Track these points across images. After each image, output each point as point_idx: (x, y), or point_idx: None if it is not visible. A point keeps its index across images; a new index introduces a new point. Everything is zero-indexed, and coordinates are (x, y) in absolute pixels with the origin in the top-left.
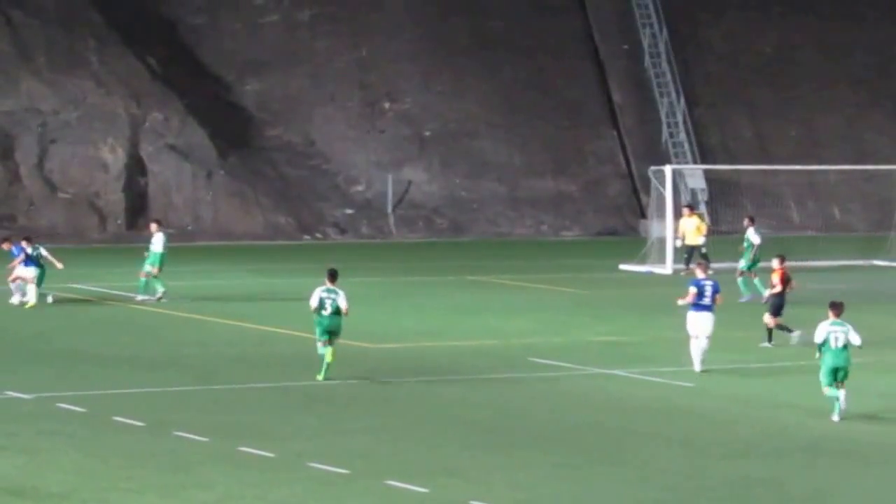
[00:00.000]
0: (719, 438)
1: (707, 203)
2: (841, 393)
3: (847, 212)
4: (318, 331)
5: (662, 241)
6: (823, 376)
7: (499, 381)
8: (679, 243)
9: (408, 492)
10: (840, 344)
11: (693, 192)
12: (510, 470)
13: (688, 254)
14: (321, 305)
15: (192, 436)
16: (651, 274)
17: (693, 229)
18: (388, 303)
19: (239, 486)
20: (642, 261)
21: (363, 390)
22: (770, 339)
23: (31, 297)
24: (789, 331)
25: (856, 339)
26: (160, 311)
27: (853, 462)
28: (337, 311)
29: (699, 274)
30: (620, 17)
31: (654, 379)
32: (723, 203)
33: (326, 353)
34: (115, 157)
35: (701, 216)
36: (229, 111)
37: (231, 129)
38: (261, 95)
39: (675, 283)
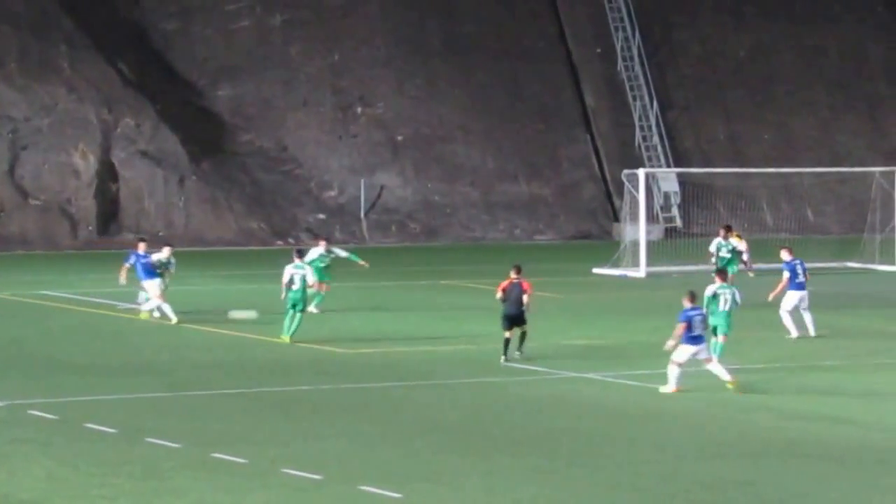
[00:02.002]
0: (693, 441)
1: (680, 206)
2: (720, 342)
3: (821, 214)
4: (288, 304)
5: (636, 244)
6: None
7: (473, 385)
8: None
9: (381, 497)
10: (727, 307)
11: (666, 196)
12: (484, 474)
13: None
14: (291, 280)
15: (164, 442)
16: (625, 277)
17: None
18: (361, 308)
19: (212, 493)
20: (616, 264)
21: (337, 395)
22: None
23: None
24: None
25: (739, 299)
26: (133, 317)
27: (828, 464)
28: (304, 287)
29: (686, 304)
30: (593, 21)
31: (628, 382)
32: (696, 206)
33: (294, 319)
34: (86, 163)
35: (739, 236)
36: (201, 117)
37: (203, 135)
38: (233, 101)
39: (649, 286)
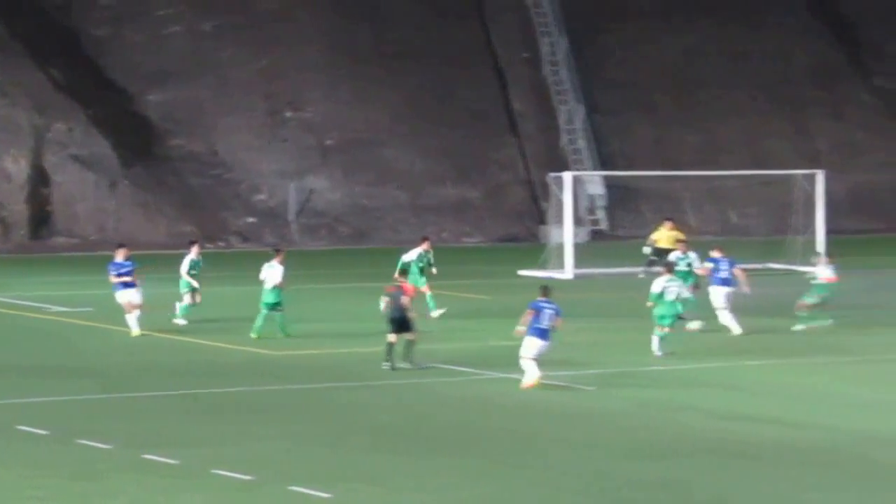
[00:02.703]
0: (623, 441)
1: (606, 209)
2: (666, 331)
3: (745, 216)
4: (262, 303)
5: (561, 246)
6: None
7: (403, 386)
8: (648, 250)
9: (311, 497)
10: (673, 297)
11: (592, 198)
12: (414, 474)
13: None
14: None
15: (96, 444)
16: (550, 279)
17: (670, 236)
18: (291, 310)
19: (143, 494)
20: (542, 266)
21: (268, 397)
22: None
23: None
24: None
25: (685, 293)
26: (65, 320)
27: (755, 463)
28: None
29: (539, 297)
30: (520, 26)
31: (555, 383)
32: (622, 209)
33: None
34: (18, 167)
35: (678, 228)
36: (133, 121)
37: (135, 140)
38: (164, 106)
39: (575, 288)
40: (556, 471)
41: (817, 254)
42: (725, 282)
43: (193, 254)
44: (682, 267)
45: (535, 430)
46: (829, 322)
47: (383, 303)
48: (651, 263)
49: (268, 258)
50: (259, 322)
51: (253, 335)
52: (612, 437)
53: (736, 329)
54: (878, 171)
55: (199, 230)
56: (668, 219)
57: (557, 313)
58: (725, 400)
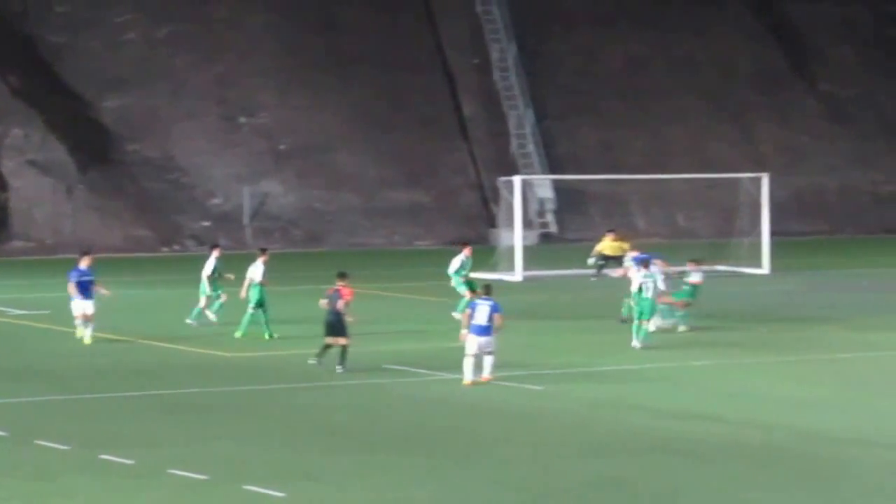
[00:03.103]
0: (570, 440)
1: (555, 212)
2: (652, 326)
3: (691, 219)
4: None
5: (512, 249)
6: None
7: (355, 387)
8: (592, 261)
9: (265, 496)
10: (650, 294)
11: (542, 202)
12: (367, 473)
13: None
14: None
15: (54, 444)
16: (501, 282)
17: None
18: (244, 312)
19: (100, 493)
20: (493, 269)
21: (223, 398)
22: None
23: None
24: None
25: (661, 285)
26: (22, 322)
27: (700, 461)
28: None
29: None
30: (471, 33)
31: (505, 383)
32: (571, 212)
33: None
34: None
35: (623, 238)
36: (89, 127)
37: (91, 145)
38: (120, 111)
39: (525, 290)
40: (504, 469)
41: (694, 259)
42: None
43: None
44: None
45: (484, 429)
46: (683, 326)
47: (322, 303)
48: (601, 268)
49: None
50: (244, 321)
51: (237, 334)
52: (559, 435)
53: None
54: (823, 175)
55: (154, 234)
56: (611, 230)
57: (495, 309)
58: (672, 399)
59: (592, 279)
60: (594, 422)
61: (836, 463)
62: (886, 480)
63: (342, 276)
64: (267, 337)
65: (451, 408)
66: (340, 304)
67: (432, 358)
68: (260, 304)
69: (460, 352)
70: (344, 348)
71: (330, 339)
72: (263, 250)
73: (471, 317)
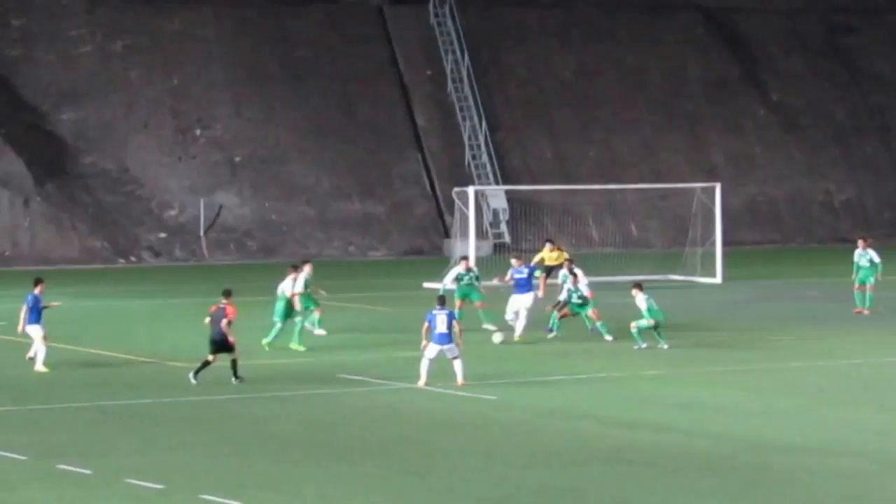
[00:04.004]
0: (522, 449)
1: (509, 222)
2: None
3: (644, 229)
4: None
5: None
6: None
7: (308, 396)
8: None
9: None
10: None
11: (495, 212)
12: (321, 482)
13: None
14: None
15: (11, 455)
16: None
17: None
18: (200, 323)
19: (58, 503)
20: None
21: (178, 408)
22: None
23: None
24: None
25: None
26: None
27: (651, 470)
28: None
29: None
30: (424, 45)
31: (458, 393)
32: (524, 222)
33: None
34: None
35: (560, 249)
36: (45, 140)
37: (47, 158)
38: (76, 124)
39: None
40: (457, 479)
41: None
42: (526, 288)
43: (306, 272)
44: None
45: (436, 439)
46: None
47: (206, 321)
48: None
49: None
50: (273, 333)
51: (265, 342)
52: (511, 445)
53: (519, 331)
54: (774, 184)
55: (111, 246)
56: (549, 240)
57: (451, 317)
58: (624, 408)
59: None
60: (546, 431)
61: (786, 472)
62: (836, 489)
63: (227, 293)
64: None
65: (405, 417)
66: (224, 324)
67: (385, 367)
68: (288, 315)
69: (414, 361)
70: (234, 361)
71: (212, 357)
72: (296, 266)
73: (430, 328)
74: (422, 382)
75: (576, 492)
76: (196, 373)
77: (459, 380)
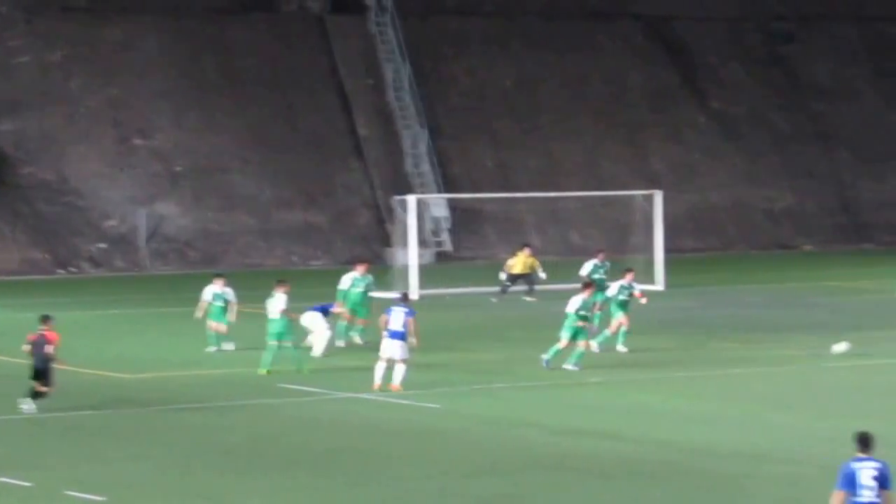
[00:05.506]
0: (465, 457)
1: (450, 231)
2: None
3: (586, 236)
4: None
5: (407, 268)
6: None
7: (250, 407)
8: (504, 276)
9: None
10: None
11: (437, 221)
12: (264, 494)
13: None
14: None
15: None
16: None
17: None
18: (141, 333)
19: None
20: (388, 288)
21: (119, 420)
22: None
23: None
24: None
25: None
26: None
27: (596, 477)
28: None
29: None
30: (365, 54)
31: (402, 402)
32: (466, 230)
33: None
34: None
35: (530, 254)
36: None
37: None
38: (15, 135)
39: (421, 308)
40: (399, 488)
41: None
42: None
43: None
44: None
45: (379, 448)
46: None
47: (24, 349)
48: (505, 290)
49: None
50: (267, 356)
51: (262, 370)
52: (454, 453)
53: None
54: (715, 192)
55: (51, 257)
56: (527, 245)
57: (408, 314)
58: (568, 416)
59: (493, 300)
60: (490, 440)
61: (729, 478)
62: (779, 494)
63: (45, 319)
64: (298, 371)
65: (347, 427)
66: (49, 349)
67: (327, 377)
68: (281, 336)
69: (356, 371)
70: (40, 393)
71: (39, 386)
72: (280, 282)
73: (387, 322)
74: (375, 385)
75: (516, 499)
76: (27, 401)
77: (395, 384)
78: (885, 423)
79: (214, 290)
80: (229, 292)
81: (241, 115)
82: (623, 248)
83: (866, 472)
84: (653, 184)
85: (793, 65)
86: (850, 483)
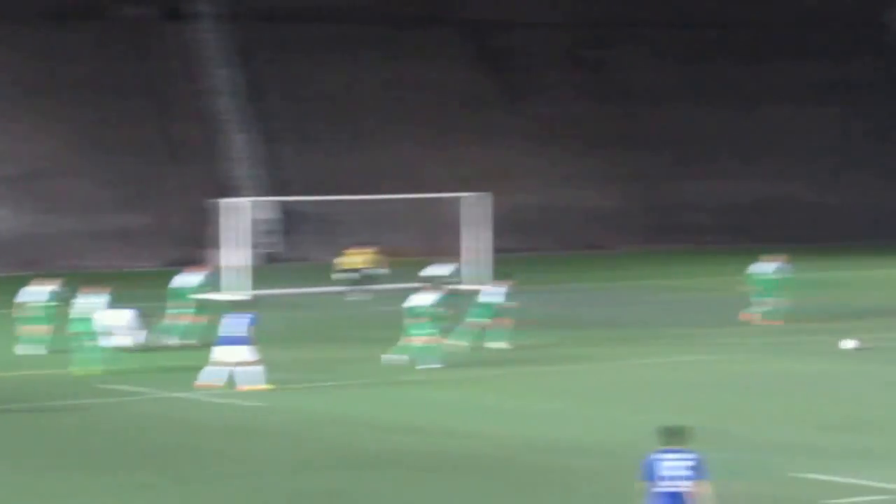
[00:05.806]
0: (289, 455)
1: (277, 233)
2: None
3: (407, 239)
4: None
5: (230, 270)
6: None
7: (74, 406)
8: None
9: None
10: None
11: (264, 223)
12: (93, 492)
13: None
14: None
15: None
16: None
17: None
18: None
19: None
20: (214, 289)
21: None
22: None
23: None
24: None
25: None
26: None
27: (432, 475)
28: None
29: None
30: (193, 59)
31: (227, 401)
32: (292, 233)
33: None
34: None
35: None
36: None
37: None
38: None
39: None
40: (221, 485)
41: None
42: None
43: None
44: None
45: (204, 445)
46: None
47: None
48: (355, 283)
49: None
50: (82, 355)
51: (76, 370)
52: (278, 450)
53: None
54: (531, 193)
55: None
56: (363, 243)
57: (252, 322)
58: (397, 413)
59: (348, 298)
60: (317, 437)
61: (568, 472)
62: (617, 487)
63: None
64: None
65: (173, 426)
66: None
67: (150, 376)
68: (93, 335)
69: (179, 371)
70: None
71: None
72: (96, 283)
73: (226, 327)
74: (200, 383)
75: (343, 495)
76: None
77: (243, 385)
78: (702, 416)
79: (34, 292)
80: (49, 294)
81: (68, 120)
82: (440, 250)
83: (667, 464)
84: (471, 186)
85: (607, 69)
86: (650, 474)
